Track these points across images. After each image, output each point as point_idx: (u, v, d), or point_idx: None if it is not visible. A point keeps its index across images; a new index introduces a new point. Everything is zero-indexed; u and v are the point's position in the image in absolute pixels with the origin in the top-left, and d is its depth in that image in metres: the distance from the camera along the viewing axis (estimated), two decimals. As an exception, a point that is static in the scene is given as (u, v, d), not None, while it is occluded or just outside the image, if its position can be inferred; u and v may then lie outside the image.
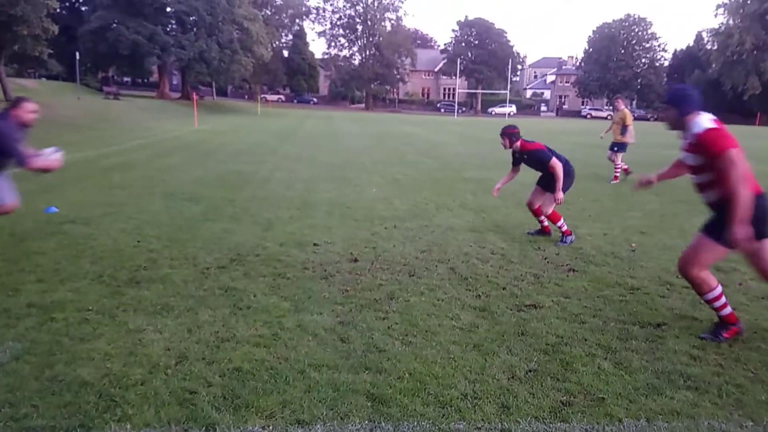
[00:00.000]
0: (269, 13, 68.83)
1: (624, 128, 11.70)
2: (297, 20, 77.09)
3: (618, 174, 11.69)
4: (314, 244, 5.86)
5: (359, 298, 4.27)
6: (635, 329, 3.84)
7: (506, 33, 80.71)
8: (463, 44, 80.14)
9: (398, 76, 76.81)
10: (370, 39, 73.96)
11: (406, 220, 7.23)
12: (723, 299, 3.72)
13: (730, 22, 69.55)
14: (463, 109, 79.48)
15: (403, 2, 78.25)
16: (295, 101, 79.68)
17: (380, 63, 73.44)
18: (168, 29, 46.37)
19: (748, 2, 68.10)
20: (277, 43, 73.39)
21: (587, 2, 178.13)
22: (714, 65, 70.43)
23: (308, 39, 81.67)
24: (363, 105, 79.12)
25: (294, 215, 7.37)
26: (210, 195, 8.67)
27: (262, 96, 67.18)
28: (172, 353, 3.29)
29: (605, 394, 2.93)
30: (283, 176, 11.07)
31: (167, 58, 47.18)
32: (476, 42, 79.38)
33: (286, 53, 78.77)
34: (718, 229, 3.50)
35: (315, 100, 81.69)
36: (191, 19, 46.18)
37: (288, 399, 2.82)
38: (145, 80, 66.41)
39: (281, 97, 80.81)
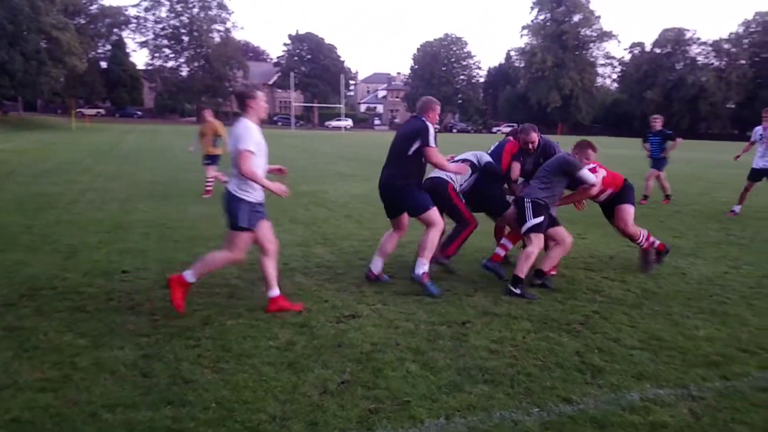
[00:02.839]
0: (83, 22, 63.21)
1: (216, 139, 10.84)
2: (115, 30, 71.63)
3: (210, 188, 10.65)
4: (123, 272, 5.39)
5: (170, 327, 3.99)
6: (443, 329, 4.07)
7: (336, 48, 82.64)
8: (296, 58, 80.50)
9: (230, 89, 74.69)
10: (198, 50, 71.08)
11: (230, 239, 6.97)
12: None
13: (533, 42, 78.40)
14: (301, 122, 79.68)
15: (231, 14, 76.21)
16: (117, 115, 73.64)
17: (210, 75, 70.92)
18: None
19: (548, 24, 77.38)
20: (93, 53, 67.50)
21: (412, 21, 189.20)
22: (522, 81, 78.73)
23: (129, 49, 75.95)
24: (194, 118, 75.60)
25: (104, 240, 6.73)
26: (3, 222, 7.61)
27: (78, 110, 61.08)
28: (-72, 415, 2.78)
29: (411, 397, 3.04)
30: (95, 197, 10.10)
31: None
32: (309, 56, 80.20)
33: (104, 64, 72.72)
34: None
35: (140, 113, 76.21)
36: (-11, 27, 40.74)
37: (73, 450, 2.52)
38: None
39: (101, 110, 74.17)
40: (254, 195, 4.28)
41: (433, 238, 5.00)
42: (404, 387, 3.17)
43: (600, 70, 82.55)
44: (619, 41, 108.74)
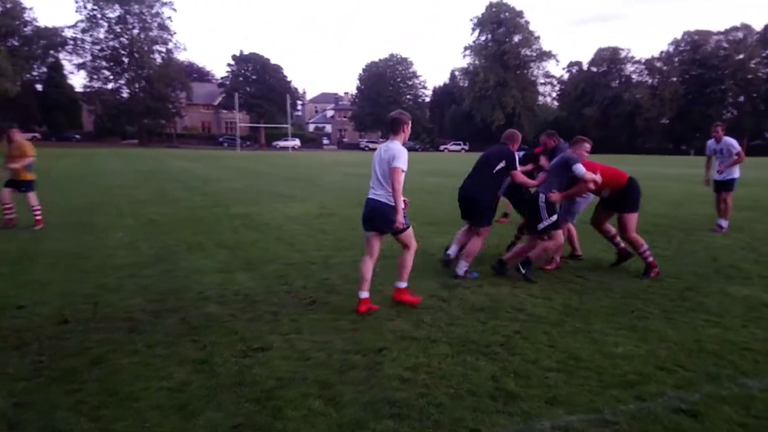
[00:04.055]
0: (16, 44, 60.82)
1: (28, 164, 9.27)
2: (52, 51, 69.19)
3: (38, 216, 9.25)
4: (18, 307, 4.94)
5: (54, 369, 3.62)
6: (356, 358, 3.85)
7: (282, 69, 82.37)
8: (241, 78, 79.75)
9: (174, 110, 73.17)
10: (139, 72, 69.38)
11: (147, 266, 6.56)
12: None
13: (476, 62, 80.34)
14: (248, 143, 78.67)
15: (173, 35, 74.88)
16: (54, 139, 70.77)
17: (152, 97, 69.23)
18: None
19: (489, 44, 79.48)
20: (27, 76, 64.94)
21: (358, 41, 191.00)
22: (466, 100, 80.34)
23: (66, 71, 73.37)
24: (136, 140, 73.53)
25: (4, 273, 6.21)
26: None
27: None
28: None
29: (306, 439, 2.80)
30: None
31: None
32: (254, 77, 79.57)
33: (39, 87, 70.02)
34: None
35: (78, 137, 73.48)
36: None
37: None
38: None
39: (36, 135, 71.08)
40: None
41: (477, 245, 6.21)
42: (303, 428, 2.92)
43: (540, 88, 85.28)
44: (557, 61, 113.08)
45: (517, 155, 6.40)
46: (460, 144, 79.35)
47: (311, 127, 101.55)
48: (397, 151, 4.79)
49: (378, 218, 4.92)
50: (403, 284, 5.18)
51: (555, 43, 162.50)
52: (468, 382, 3.50)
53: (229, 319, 4.67)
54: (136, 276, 6.14)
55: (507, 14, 78.54)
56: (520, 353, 3.99)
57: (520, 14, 79.45)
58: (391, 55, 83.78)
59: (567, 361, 3.85)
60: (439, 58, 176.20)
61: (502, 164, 6.07)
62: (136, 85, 70.34)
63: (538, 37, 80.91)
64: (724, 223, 9.63)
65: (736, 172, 9.71)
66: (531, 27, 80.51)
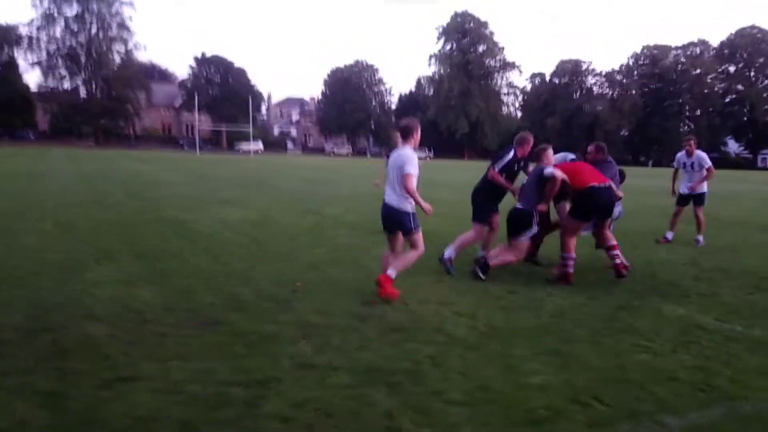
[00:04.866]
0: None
1: None
2: (6, 49, 66.66)
3: None
4: None
5: None
6: (237, 391, 3.37)
7: (246, 71, 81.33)
8: (203, 80, 78.37)
9: (132, 111, 71.27)
10: (97, 71, 67.39)
11: (44, 277, 5.93)
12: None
13: (441, 70, 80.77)
14: (209, 145, 77.16)
15: (133, 34, 73.02)
16: (7, 137, 68.05)
17: (110, 97, 67.38)
18: None
19: (454, 53, 79.99)
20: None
21: (324, 46, 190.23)
22: (431, 108, 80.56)
23: (21, 70, 70.72)
24: (92, 141, 71.32)
25: None
26: None
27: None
28: None
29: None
30: None
31: None
32: (217, 79, 78.30)
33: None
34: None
35: (32, 136, 70.89)
36: None
37: None
38: None
39: (-14, 133, 68.37)
40: (412, 206, 5.33)
41: (468, 238, 6.81)
42: (137, 484, 2.43)
43: (504, 98, 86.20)
44: (521, 71, 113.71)
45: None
46: (425, 151, 79.49)
47: (276, 131, 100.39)
48: (407, 157, 5.20)
49: (391, 222, 5.49)
50: (393, 273, 5.42)
51: (518, 54, 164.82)
52: (357, 421, 3.07)
53: (106, 341, 4.13)
54: (26, 287, 5.52)
55: (472, 24, 79.26)
56: (426, 383, 3.58)
57: (485, 25, 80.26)
58: (357, 62, 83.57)
59: (475, 392, 3.46)
60: (405, 65, 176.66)
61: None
62: (94, 85, 68.37)
63: (502, 48, 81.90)
64: (670, 235, 9.62)
65: (705, 186, 9.70)
66: (495, 38, 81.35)
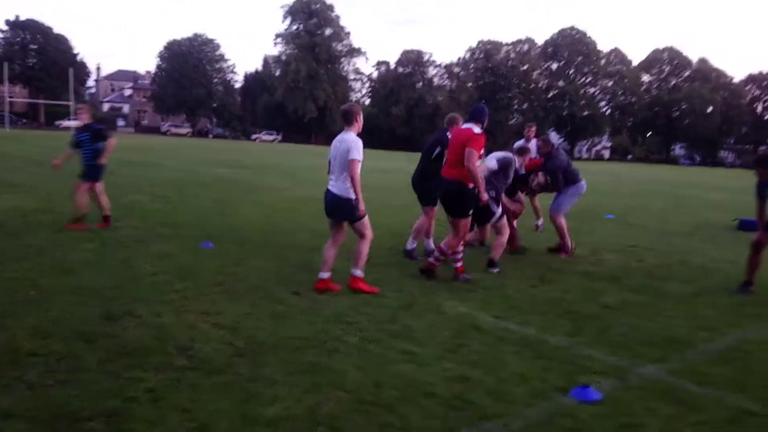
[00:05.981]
0: None
1: None
2: None
3: None
4: None
5: None
6: None
7: (68, 39, 72.62)
8: (17, 47, 68.53)
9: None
10: None
11: None
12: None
13: (288, 51, 78.68)
14: (23, 120, 67.78)
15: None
16: None
17: None
18: None
19: (301, 34, 78.32)
20: None
21: (160, 17, 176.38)
22: (279, 89, 78.27)
23: None
24: None
25: None
26: None
27: None
28: None
29: None
30: None
31: None
32: (34, 46, 68.88)
33: None
34: None
35: None
36: None
37: None
38: None
39: None
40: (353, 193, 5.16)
41: (422, 223, 7.01)
42: None
43: (352, 84, 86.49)
44: (367, 58, 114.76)
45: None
46: (273, 134, 77.30)
47: (106, 107, 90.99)
48: (351, 142, 5.11)
49: (335, 210, 5.33)
50: (359, 272, 5.37)
51: (366, 41, 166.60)
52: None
53: None
54: None
55: (318, 6, 78.03)
56: (130, 428, 2.84)
57: (330, 8, 79.39)
58: (196, 35, 78.11)
59: (190, 435, 2.80)
60: (251, 43, 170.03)
61: (438, 150, 6.70)
62: None
63: (348, 33, 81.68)
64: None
65: None
66: (342, 22, 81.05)
